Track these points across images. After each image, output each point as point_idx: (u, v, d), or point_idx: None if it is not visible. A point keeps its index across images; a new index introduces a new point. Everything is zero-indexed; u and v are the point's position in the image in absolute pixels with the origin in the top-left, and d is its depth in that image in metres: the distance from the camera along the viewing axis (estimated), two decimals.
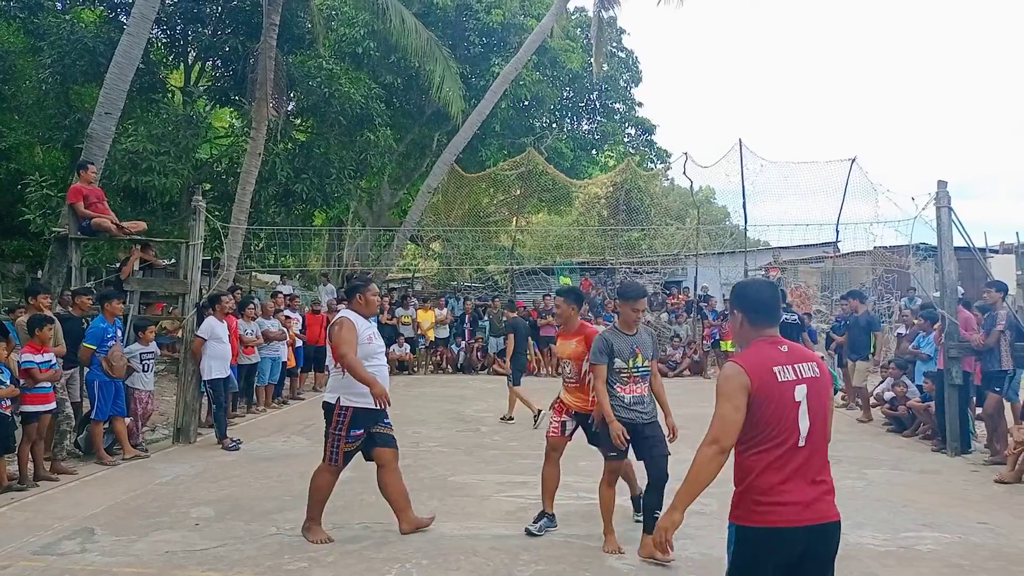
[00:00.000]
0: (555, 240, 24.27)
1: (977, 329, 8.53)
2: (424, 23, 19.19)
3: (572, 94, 25.59)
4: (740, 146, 18.58)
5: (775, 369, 2.83)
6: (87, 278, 10.24)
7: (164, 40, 18.03)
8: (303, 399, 12.96)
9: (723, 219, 32.60)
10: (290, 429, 10.11)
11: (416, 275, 24.95)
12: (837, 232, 19.17)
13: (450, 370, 17.21)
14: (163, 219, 16.13)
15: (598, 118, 26.33)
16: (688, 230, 23.24)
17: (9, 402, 6.74)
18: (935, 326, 9.32)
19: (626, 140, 27.21)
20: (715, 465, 2.77)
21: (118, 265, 10.95)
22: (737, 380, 2.79)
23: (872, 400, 10.99)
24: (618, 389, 5.06)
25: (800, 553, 2.77)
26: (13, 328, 7.54)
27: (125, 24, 14.12)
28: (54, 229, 10.56)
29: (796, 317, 12.40)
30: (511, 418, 10.51)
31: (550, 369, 15.79)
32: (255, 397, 11.51)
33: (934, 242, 9.66)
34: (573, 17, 25.43)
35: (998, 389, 8.27)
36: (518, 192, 23.75)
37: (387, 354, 6.39)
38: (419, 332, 16.77)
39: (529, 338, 12.61)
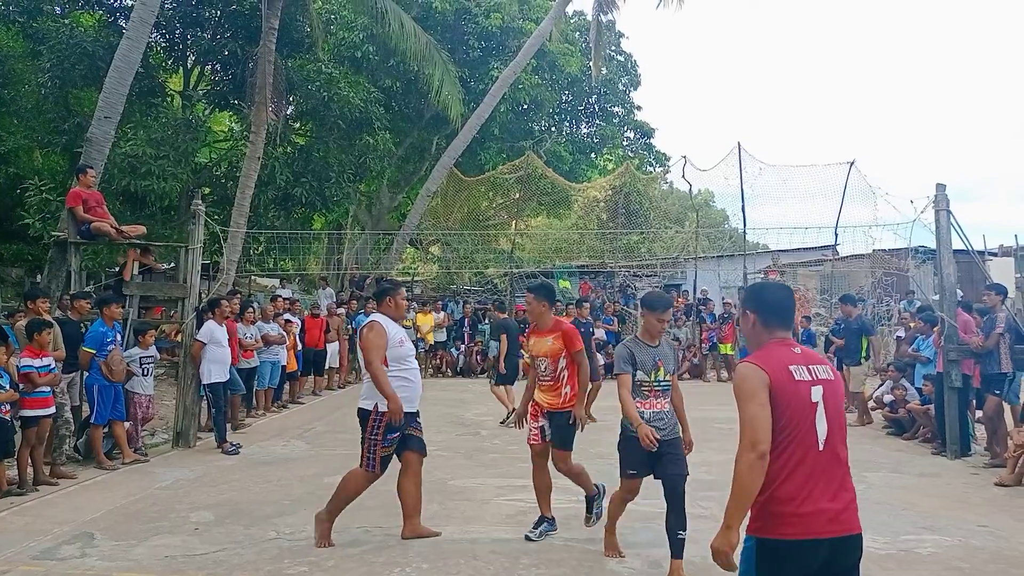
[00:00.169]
0: (554, 243, 24.29)
1: (976, 332, 8.53)
2: (423, 27, 19.22)
3: (571, 98, 25.64)
4: (739, 149, 18.64)
5: (791, 368, 2.74)
6: (86, 282, 10.23)
7: (163, 44, 18.05)
8: (303, 403, 12.96)
9: (722, 222, 32.65)
10: (290, 433, 10.10)
11: (415, 279, 24.95)
12: (836, 235, 19.24)
13: (449, 374, 17.20)
14: (162, 223, 16.13)
15: (597, 122, 26.38)
16: (687, 233, 23.25)
17: (8, 406, 6.74)
18: (934, 329, 9.33)
19: (625, 143, 27.27)
20: (758, 472, 2.62)
21: (117, 269, 10.95)
22: (756, 377, 2.69)
23: (871, 403, 10.99)
24: (637, 404, 4.75)
25: (822, 565, 2.67)
26: (12, 332, 7.54)
27: (124, 28, 14.15)
28: (53, 233, 10.57)
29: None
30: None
31: None
32: (254, 401, 11.51)
33: (933, 245, 9.67)
34: (572, 21, 25.47)
35: (998, 392, 8.27)
36: (517, 196, 23.78)
37: None
38: (418, 336, 16.78)
39: (522, 338, 12.59)
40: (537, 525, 5.59)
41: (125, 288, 9.55)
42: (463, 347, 17.48)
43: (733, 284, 19.09)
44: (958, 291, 9.55)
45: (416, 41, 18.15)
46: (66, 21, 15.86)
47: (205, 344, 9.03)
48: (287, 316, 12.66)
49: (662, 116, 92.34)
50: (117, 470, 7.84)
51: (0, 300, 15.72)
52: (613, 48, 25.83)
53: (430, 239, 24.23)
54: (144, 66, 14.32)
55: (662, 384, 4.83)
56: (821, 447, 2.70)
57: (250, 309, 11.11)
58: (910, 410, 9.81)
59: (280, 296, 14.09)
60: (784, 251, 21.15)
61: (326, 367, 14.26)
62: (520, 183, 22.31)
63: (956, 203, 8.82)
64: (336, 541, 5.44)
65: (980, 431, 9.09)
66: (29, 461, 7.03)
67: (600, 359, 11.45)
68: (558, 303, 17.09)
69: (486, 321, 17.14)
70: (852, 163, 18.79)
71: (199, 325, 9.23)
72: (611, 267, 21.27)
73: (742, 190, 18.63)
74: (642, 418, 4.69)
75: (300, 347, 13.02)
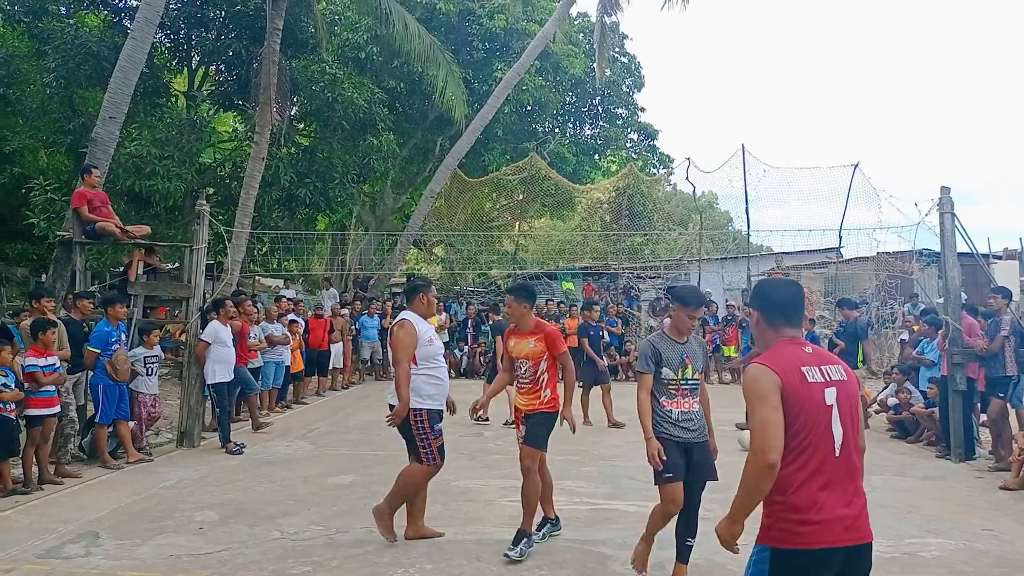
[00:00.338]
0: (558, 245, 24.27)
1: (981, 335, 8.51)
2: (427, 28, 19.21)
3: (575, 99, 25.61)
4: (743, 151, 18.61)
5: (803, 369, 2.63)
6: (91, 282, 10.25)
7: (168, 44, 18.07)
8: (306, 403, 12.97)
9: (726, 224, 32.56)
10: (293, 433, 10.11)
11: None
12: (840, 237, 19.15)
13: (453, 374, 17.19)
14: (167, 223, 16.17)
15: (601, 123, 26.35)
16: (691, 235, 23.22)
17: (13, 406, 6.76)
18: (939, 332, 9.31)
19: (629, 145, 27.21)
20: (766, 481, 2.54)
21: (122, 269, 10.97)
22: (767, 379, 2.59)
23: (876, 406, 10.97)
24: (664, 403, 4.56)
25: (835, 575, 2.61)
26: (17, 332, 7.57)
27: (129, 28, 14.17)
28: (58, 233, 10.59)
29: None
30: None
31: None
32: (258, 401, 11.50)
33: (937, 248, 9.65)
34: (576, 22, 25.46)
35: (1002, 395, 8.26)
36: (521, 197, 23.77)
37: None
38: None
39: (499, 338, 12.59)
40: (540, 526, 5.58)
41: (130, 288, 9.57)
42: (466, 348, 17.47)
43: (737, 286, 19.04)
44: (962, 294, 9.53)
45: (420, 42, 18.15)
46: (71, 21, 15.87)
47: (209, 344, 9.06)
48: (291, 316, 12.69)
49: (666, 118, 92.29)
50: (121, 469, 7.87)
51: (5, 299, 15.78)
52: (617, 50, 25.80)
53: (434, 240, 24.23)
54: (149, 66, 14.34)
55: (690, 383, 4.62)
56: (837, 452, 2.61)
57: (254, 309, 11.13)
58: (914, 413, 9.79)
59: (284, 296, 14.10)
60: (788, 253, 21.11)
61: (330, 367, 14.29)
62: (524, 184, 22.31)
63: (960, 206, 8.85)
64: (339, 541, 5.45)
65: (985, 434, 9.07)
66: (34, 460, 7.06)
67: (605, 361, 11.40)
68: (562, 304, 17.21)
69: (489, 322, 17.13)
70: (856, 165, 18.72)
71: (203, 325, 9.26)
72: (615, 269, 21.25)
73: (746, 192, 18.60)
74: (670, 417, 4.54)
75: (304, 347, 13.05)
